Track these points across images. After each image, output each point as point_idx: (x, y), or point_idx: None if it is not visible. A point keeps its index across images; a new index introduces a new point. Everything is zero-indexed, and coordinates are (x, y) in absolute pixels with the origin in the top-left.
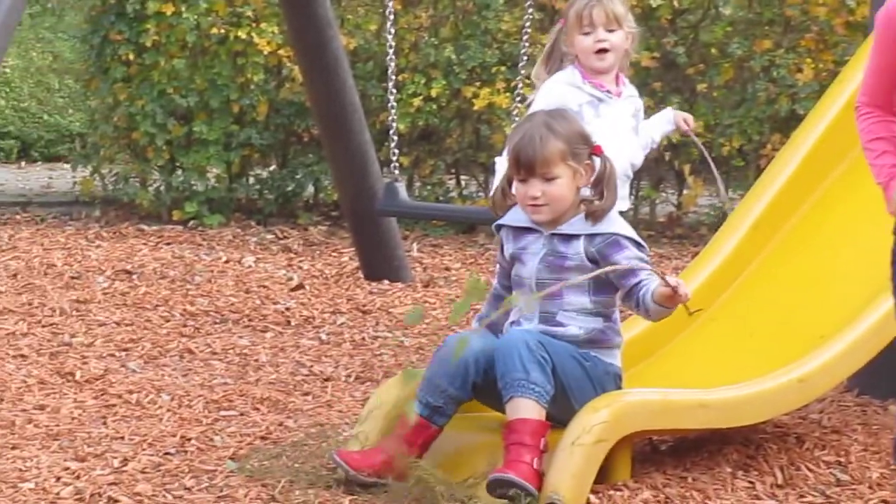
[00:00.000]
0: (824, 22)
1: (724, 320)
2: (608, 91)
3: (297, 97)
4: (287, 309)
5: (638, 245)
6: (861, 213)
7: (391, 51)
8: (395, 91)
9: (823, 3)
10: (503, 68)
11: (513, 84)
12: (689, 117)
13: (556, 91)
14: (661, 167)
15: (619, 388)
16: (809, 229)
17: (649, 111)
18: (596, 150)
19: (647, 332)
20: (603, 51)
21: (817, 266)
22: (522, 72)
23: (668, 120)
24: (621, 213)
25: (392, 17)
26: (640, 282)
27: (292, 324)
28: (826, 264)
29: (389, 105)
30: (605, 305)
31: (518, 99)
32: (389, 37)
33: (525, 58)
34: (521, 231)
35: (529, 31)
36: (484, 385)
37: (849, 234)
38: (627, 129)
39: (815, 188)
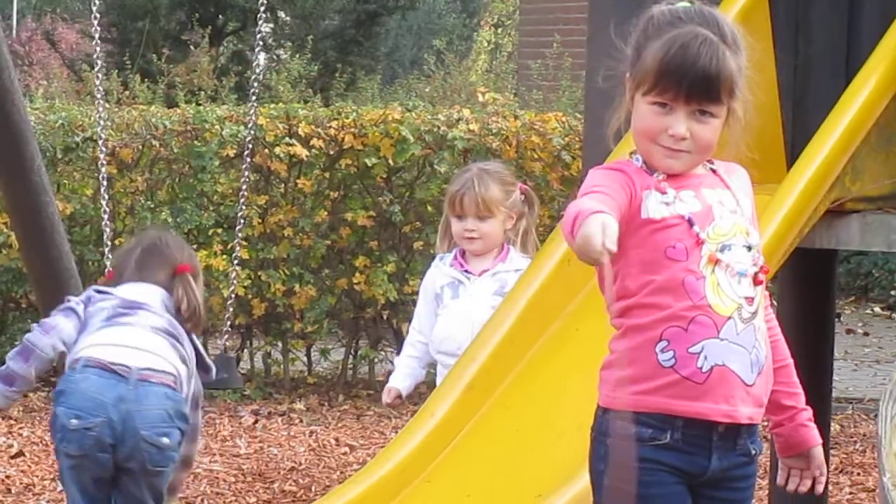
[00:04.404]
0: (540, 177)
1: (440, 482)
2: (467, 271)
3: (14, 263)
4: (7, 477)
5: None
6: (575, 369)
7: (106, 216)
8: (111, 256)
9: (539, 157)
10: (220, 230)
11: (230, 246)
12: None
13: (428, 273)
14: (379, 326)
15: None
16: (525, 387)
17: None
18: None
19: (366, 493)
20: (472, 238)
21: (534, 424)
22: (239, 234)
23: None
24: None
25: (106, 181)
26: None
27: (13, 491)
28: (543, 422)
29: (106, 270)
30: None
31: (236, 262)
32: (104, 202)
33: (242, 220)
34: None
35: (246, 193)
36: None
37: (564, 392)
38: (486, 308)
39: (531, 345)
